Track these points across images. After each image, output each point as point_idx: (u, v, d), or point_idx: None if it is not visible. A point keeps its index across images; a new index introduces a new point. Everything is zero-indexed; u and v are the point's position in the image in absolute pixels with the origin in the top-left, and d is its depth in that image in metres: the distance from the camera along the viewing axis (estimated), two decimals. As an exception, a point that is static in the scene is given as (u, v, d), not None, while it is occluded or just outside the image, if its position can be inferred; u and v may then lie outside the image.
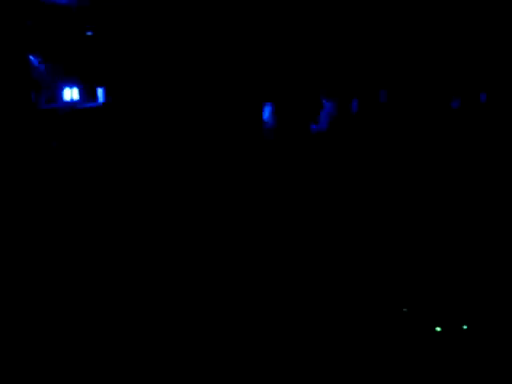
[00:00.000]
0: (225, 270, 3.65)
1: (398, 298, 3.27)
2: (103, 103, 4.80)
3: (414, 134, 4.73)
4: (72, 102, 4.78)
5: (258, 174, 4.70)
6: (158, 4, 4.82)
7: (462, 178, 4.49)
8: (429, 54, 4.83)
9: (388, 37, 4.82)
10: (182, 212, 4.45)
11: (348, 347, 2.78)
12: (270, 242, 4.02)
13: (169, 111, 5.05)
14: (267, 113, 4.86)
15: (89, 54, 4.72)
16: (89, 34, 4.72)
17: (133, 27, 4.74)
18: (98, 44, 4.71)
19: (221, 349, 2.70)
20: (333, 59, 4.84)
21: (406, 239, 3.96)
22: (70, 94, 4.76)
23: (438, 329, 2.88)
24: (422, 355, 2.70)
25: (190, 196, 4.64)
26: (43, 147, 4.77)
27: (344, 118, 4.79)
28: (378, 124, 4.80)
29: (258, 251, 3.90)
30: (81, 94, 4.81)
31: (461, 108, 4.65)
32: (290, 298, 3.33)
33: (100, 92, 4.77)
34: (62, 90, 4.75)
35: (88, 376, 2.52)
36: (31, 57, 4.62)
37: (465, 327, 2.86)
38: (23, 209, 4.34)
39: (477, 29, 4.68)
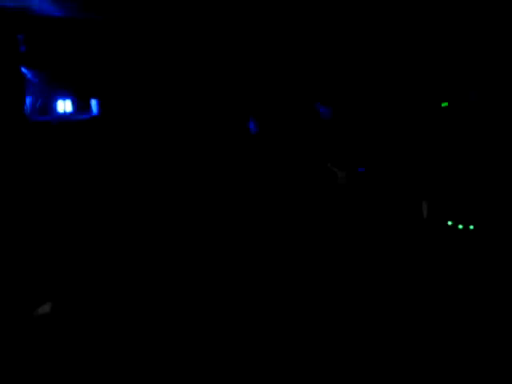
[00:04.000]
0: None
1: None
2: (97, 115, 4.77)
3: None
4: (65, 114, 4.75)
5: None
6: (149, 21, 4.83)
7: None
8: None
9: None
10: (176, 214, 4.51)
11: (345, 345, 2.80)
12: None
13: (161, 121, 5.05)
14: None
15: (83, 66, 4.70)
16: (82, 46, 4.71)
17: (127, 41, 4.74)
18: (92, 56, 4.70)
19: (219, 349, 2.70)
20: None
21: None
22: (64, 105, 4.72)
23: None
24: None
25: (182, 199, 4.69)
26: (34, 159, 4.71)
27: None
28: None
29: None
30: (74, 105, 4.77)
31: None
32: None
33: (94, 103, 4.74)
34: (55, 101, 4.71)
35: (87, 376, 2.49)
36: (24, 69, 4.58)
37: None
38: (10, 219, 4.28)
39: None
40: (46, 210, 4.68)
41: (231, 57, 5.06)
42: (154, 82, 4.89)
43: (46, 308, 3.34)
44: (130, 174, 4.82)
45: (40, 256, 4.10)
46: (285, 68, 5.06)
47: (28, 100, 4.63)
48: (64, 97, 4.73)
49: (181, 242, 4.39)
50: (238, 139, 5.12)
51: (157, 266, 4.09)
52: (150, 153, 4.89)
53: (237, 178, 4.92)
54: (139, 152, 4.90)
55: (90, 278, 3.68)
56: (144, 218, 4.64)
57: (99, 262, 4.15)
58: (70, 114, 4.77)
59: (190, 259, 4.14)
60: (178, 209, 4.69)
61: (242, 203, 4.78)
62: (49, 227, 4.48)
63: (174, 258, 4.17)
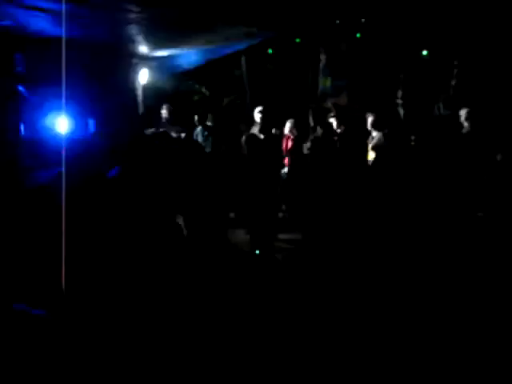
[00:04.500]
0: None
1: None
2: (93, 133, 4.87)
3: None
4: (62, 133, 4.75)
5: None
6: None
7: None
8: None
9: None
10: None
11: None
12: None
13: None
14: None
15: (81, 85, 4.79)
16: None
17: (123, 61, 4.97)
18: (89, 75, 4.82)
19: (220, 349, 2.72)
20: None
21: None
22: (60, 124, 4.73)
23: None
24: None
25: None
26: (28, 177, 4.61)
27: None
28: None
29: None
30: (71, 124, 4.81)
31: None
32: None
33: (90, 122, 4.84)
34: (52, 120, 4.70)
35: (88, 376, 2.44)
36: (21, 88, 4.51)
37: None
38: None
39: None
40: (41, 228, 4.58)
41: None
42: (149, 99, 5.17)
43: None
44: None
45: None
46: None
47: (25, 118, 4.56)
48: (61, 115, 4.74)
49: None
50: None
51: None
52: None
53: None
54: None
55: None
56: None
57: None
58: (66, 132, 4.78)
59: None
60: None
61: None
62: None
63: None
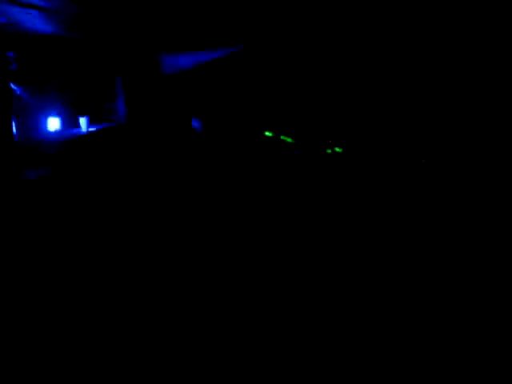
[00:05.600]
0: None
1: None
2: (87, 132, 4.84)
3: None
4: (54, 132, 4.69)
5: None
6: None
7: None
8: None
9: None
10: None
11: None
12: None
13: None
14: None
15: (72, 84, 4.76)
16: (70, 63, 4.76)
17: (116, 60, 4.98)
18: (81, 74, 4.80)
19: (220, 348, 2.67)
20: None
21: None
22: (53, 123, 4.68)
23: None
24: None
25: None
26: (21, 177, 4.52)
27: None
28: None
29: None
30: (63, 123, 4.76)
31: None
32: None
33: (83, 121, 4.81)
34: (44, 118, 4.63)
35: (88, 376, 2.40)
36: (13, 86, 4.43)
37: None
38: None
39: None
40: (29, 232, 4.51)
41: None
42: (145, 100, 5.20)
43: None
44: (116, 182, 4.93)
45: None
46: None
47: (17, 117, 4.47)
48: (53, 114, 4.69)
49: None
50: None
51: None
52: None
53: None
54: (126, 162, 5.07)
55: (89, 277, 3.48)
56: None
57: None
58: (59, 131, 4.73)
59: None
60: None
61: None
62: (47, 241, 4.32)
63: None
